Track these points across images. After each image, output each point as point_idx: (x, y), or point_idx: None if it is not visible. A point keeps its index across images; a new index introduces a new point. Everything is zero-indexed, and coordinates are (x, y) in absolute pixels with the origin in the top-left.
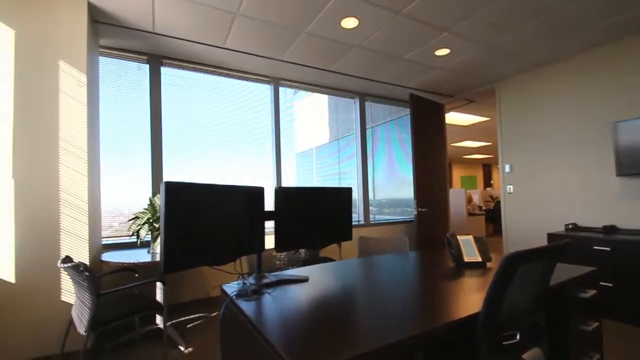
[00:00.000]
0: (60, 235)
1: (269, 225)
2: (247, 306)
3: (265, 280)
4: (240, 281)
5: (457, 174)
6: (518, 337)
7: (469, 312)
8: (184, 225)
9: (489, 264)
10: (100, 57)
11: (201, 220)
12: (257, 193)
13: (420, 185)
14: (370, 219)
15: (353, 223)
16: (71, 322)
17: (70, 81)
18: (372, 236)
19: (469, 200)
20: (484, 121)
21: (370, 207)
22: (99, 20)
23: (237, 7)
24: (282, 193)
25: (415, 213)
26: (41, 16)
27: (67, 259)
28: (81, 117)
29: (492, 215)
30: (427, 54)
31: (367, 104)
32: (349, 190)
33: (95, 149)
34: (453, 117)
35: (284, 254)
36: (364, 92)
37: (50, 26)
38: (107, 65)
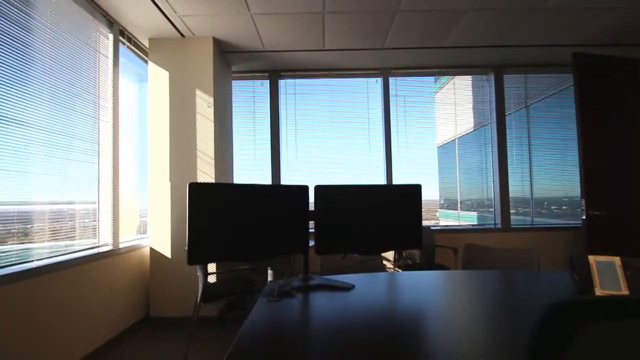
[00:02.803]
0: None
1: None
2: (260, 306)
3: (298, 283)
4: (284, 279)
5: None
6: None
7: None
8: (207, 222)
9: None
10: (233, 81)
11: (224, 218)
12: (298, 192)
13: (591, 178)
14: (514, 222)
15: (486, 226)
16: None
17: (202, 104)
18: (484, 244)
19: None
20: None
21: (522, 208)
22: (226, 50)
23: (321, 6)
24: (321, 191)
25: (584, 217)
26: (183, 57)
27: None
28: (209, 132)
29: None
30: None
31: (509, 78)
32: (415, 189)
33: (225, 156)
34: None
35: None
36: (499, 63)
37: (188, 62)
38: (238, 86)
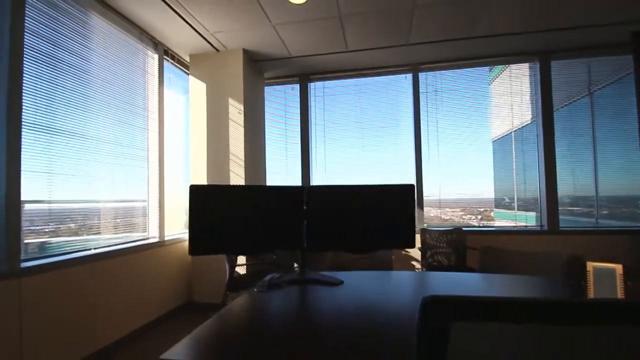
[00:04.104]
0: None
1: None
2: (246, 296)
3: (289, 277)
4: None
5: None
6: None
7: None
8: (206, 220)
9: None
10: (266, 87)
11: (220, 215)
12: (294, 192)
13: None
14: (572, 224)
15: (530, 228)
16: None
17: (234, 110)
18: (501, 247)
19: None
20: None
21: (583, 208)
22: (256, 59)
23: (336, 10)
24: (313, 191)
25: None
26: (218, 69)
27: None
28: (240, 136)
29: None
30: None
31: (558, 65)
32: (406, 189)
33: (256, 158)
34: None
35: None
36: (544, 49)
37: (222, 73)
38: (272, 91)
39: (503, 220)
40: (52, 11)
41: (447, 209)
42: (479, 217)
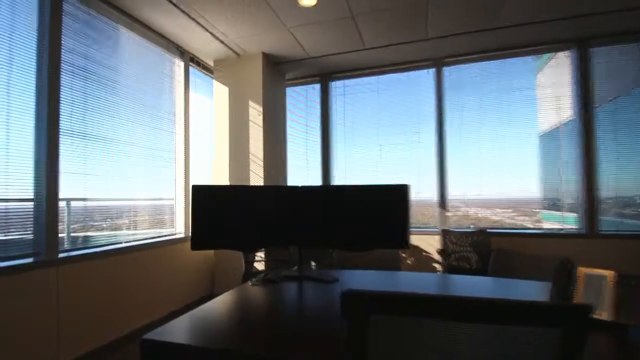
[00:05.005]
0: None
1: None
2: (240, 288)
3: (285, 273)
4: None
5: None
6: None
7: None
8: (207, 217)
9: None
10: (288, 88)
11: (220, 214)
12: (288, 193)
13: None
14: (603, 228)
15: (567, 231)
16: None
17: (254, 112)
18: (518, 250)
19: None
20: None
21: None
22: (276, 62)
23: (347, 10)
24: (306, 192)
25: None
26: (239, 73)
27: None
28: (259, 137)
29: None
30: None
31: (598, 52)
32: (399, 189)
33: (277, 158)
34: None
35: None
36: (581, 35)
37: (243, 76)
38: (293, 91)
39: (550, 222)
40: (86, 28)
41: (474, 209)
42: (513, 217)
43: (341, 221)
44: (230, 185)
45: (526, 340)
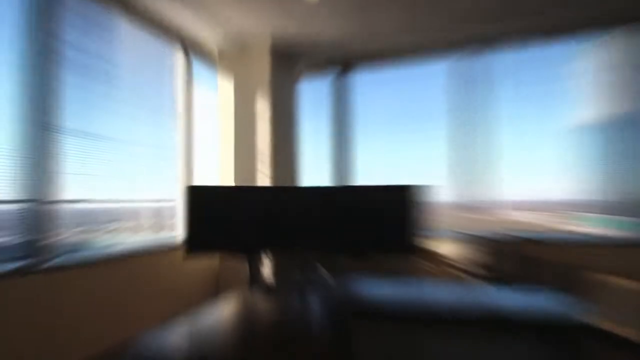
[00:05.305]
0: None
1: None
2: (237, 294)
3: (287, 279)
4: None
5: None
6: None
7: None
8: (203, 218)
9: None
10: (299, 82)
11: (218, 215)
12: (285, 194)
13: None
14: None
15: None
16: None
17: (261, 107)
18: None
19: None
20: None
21: None
22: (285, 54)
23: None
24: (303, 193)
25: None
26: (244, 65)
27: None
28: (265, 132)
29: None
30: None
31: None
32: (400, 191)
33: (287, 155)
34: None
35: None
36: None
37: (249, 69)
38: (304, 86)
39: (590, 227)
40: (85, 23)
41: (511, 211)
42: (556, 222)
43: (341, 223)
44: (228, 186)
45: None
